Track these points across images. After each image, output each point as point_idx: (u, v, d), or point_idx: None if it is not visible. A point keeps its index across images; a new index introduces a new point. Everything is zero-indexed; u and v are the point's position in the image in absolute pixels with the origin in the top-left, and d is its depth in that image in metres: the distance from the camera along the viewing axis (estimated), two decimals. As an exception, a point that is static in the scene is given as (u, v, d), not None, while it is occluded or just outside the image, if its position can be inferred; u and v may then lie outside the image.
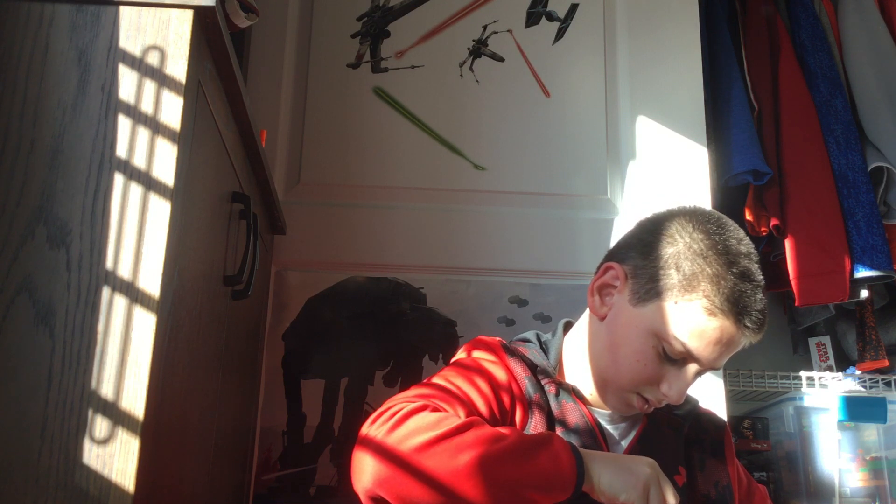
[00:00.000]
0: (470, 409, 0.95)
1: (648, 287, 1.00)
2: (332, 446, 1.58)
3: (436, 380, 1.01)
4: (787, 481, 1.91)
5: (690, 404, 1.14)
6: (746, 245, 1.01)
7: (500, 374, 1.03)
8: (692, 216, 1.03)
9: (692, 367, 1.00)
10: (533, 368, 1.06)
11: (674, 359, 0.99)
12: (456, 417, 0.88)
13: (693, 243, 1.00)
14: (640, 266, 1.02)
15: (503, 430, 0.88)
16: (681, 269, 0.99)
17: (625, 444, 1.07)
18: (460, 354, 1.13)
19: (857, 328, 2.07)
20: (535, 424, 1.01)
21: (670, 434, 1.09)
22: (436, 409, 0.90)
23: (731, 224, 1.04)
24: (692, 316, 0.97)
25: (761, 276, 1.00)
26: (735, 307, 0.96)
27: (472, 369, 1.03)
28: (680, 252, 1.00)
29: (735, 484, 1.12)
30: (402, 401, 0.91)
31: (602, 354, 1.05)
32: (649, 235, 1.04)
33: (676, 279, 0.98)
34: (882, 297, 2.08)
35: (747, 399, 2.09)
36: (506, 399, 1.01)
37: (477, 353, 1.08)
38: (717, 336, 0.97)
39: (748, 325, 0.97)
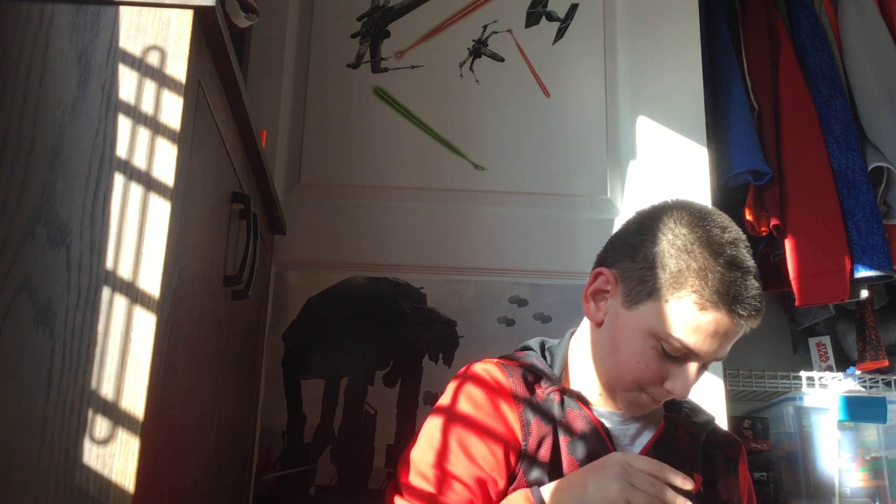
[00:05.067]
0: (459, 495, 0.97)
1: (639, 289, 1.00)
2: (332, 446, 1.58)
3: (426, 468, 0.99)
4: (787, 481, 1.91)
5: (707, 416, 1.14)
6: (731, 232, 1.00)
7: (493, 415, 1.02)
8: (673, 211, 1.02)
9: (694, 362, 0.99)
10: (535, 382, 1.06)
11: (675, 356, 0.99)
12: None
13: (676, 239, 0.99)
14: (628, 269, 1.02)
15: None
16: (666, 267, 0.98)
17: (638, 446, 1.06)
18: (447, 395, 1.07)
19: (857, 328, 2.07)
20: (532, 446, 1.01)
21: (687, 441, 1.08)
22: None
23: (714, 213, 1.02)
24: (685, 313, 0.96)
25: (751, 262, 0.99)
26: (726, 298, 0.95)
27: (466, 426, 1.01)
28: (664, 250, 0.99)
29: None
30: None
31: (604, 359, 1.05)
32: (634, 237, 1.04)
33: (664, 278, 0.98)
34: (882, 297, 2.08)
35: (747, 399, 2.09)
36: (504, 449, 1.00)
37: (468, 398, 1.04)
38: (712, 329, 0.96)
39: (742, 313, 0.96)
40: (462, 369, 1.10)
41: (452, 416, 1.03)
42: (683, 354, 0.98)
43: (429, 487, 0.98)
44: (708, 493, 1.07)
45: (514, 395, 1.03)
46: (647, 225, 1.03)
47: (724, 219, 1.02)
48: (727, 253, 0.97)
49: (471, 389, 1.04)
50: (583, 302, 1.08)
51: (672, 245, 0.99)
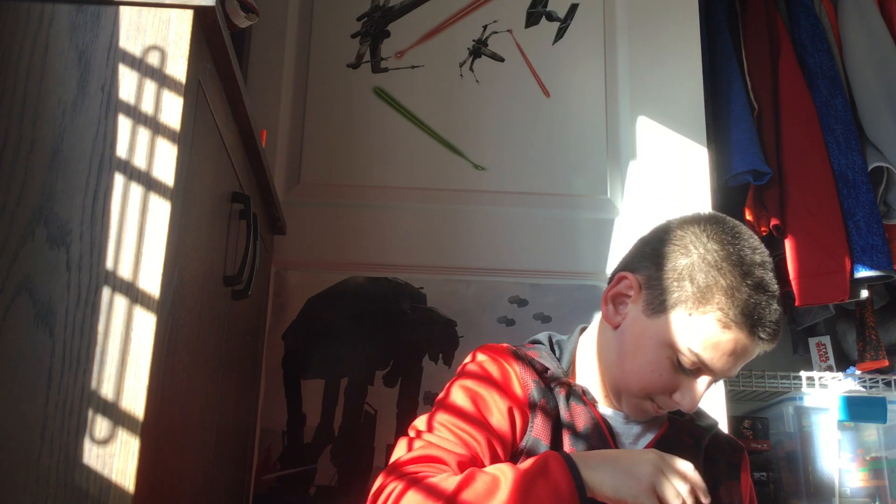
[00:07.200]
0: (472, 449, 0.96)
1: (663, 298, 1.00)
2: (332, 446, 1.58)
3: (440, 418, 1.00)
4: (787, 481, 1.91)
5: (711, 420, 1.14)
6: (761, 254, 1.00)
7: (503, 387, 1.02)
8: (706, 225, 1.02)
9: (705, 376, 1.00)
10: (542, 372, 1.06)
11: (687, 369, 0.99)
12: (448, 480, 0.87)
13: (707, 254, 0.99)
14: (654, 277, 1.02)
15: (497, 472, 0.88)
16: (695, 281, 0.98)
17: (641, 446, 1.06)
18: (464, 368, 1.10)
19: (857, 328, 2.07)
20: (538, 429, 1.01)
21: (690, 443, 1.08)
22: (425, 479, 0.89)
23: (746, 232, 1.03)
24: (707, 328, 0.96)
25: (776, 286, 0.99)
26: (749, 319, 0.96)
27: (479, 387, 1.02)
28: (694, 263, 0.99)
29: None
30: (393, 478, 0.91)
31: (614, 362, 1.05)
32: (663, 245, 1.03)
33: (691, 291, 0.98)
34: (882, 297, 2.08)
35: (747, 399, 2.09)
36: (510, 413, 1.01)
37: (480, 366, 1.06)
38: (731, 348, 0.97)
39: (763, 336, 0.97)
40: (469, 355, 1.10)
41: (466, 385, 1.03)
42: (697, 369, 0.99)
43: (424, 445, 0.97)
44: (713, 494, 1.06)
45: (522, 377, 1.04)
46: (678, 235, 1.03)
47: (755, 239, 1.02)
48: (756, 274, 0.98)
49: (483, 365, 1.05)
50: (601, 304, 1.08)
51: (703, 259, 0.99)
